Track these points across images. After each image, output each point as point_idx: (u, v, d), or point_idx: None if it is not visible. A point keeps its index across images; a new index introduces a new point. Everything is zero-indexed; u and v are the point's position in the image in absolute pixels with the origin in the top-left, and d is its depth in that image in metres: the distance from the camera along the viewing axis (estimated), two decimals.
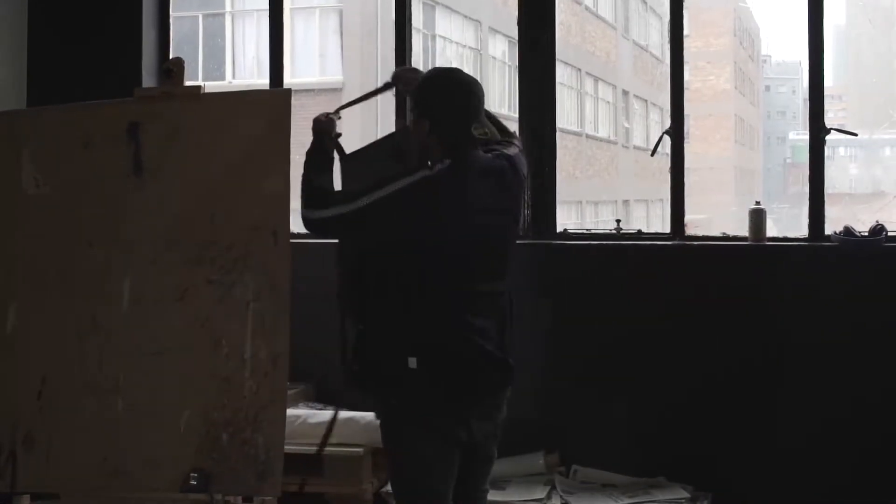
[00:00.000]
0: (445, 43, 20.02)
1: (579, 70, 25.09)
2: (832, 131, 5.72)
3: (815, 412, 5.41)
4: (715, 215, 23.56)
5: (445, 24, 19.93)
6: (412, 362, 3.54)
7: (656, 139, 6.08)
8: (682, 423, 5.57)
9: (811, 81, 5.78)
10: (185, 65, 4.20)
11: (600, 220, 24.67)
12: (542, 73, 5.99)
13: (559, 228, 5.99)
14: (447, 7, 19.75)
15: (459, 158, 3.61)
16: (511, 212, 3.82)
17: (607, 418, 5.65)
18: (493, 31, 21.11)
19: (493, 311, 3.70)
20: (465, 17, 20.62)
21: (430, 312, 3.57)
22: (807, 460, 5.38)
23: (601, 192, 26.20)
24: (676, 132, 5.82)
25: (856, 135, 6.19)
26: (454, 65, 20.17)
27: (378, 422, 3.75)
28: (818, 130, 5.68)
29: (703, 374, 5.55)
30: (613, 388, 5.66)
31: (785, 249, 5.67)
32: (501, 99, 21.35)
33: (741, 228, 5.80)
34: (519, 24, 6.06)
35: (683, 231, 5.83)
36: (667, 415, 5.59)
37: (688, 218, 5.97)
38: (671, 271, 5.68)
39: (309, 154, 3.76)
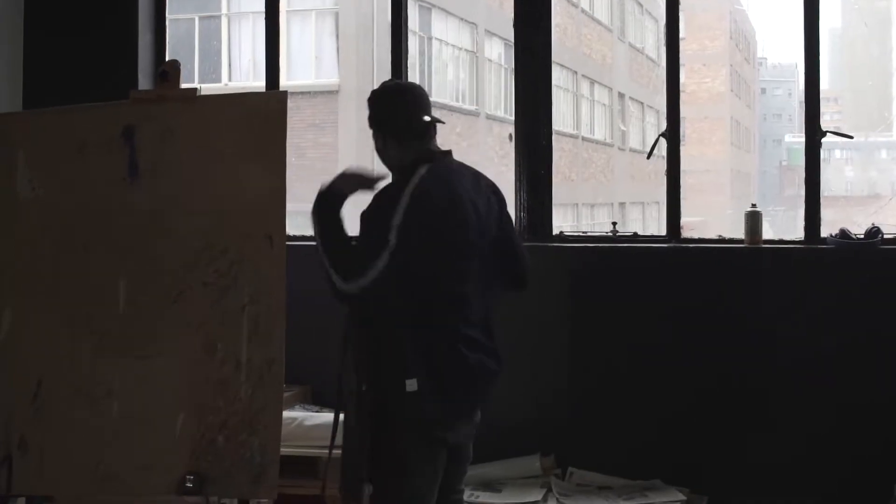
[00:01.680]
0: (441, 45, 20.00)
1: (575, 73, 25.08)
2: (828, 134, 5.71)
3: (812, 417, 5.41)
4: (711, 218, 23.51)
5: (441, 27, 19.91)
6: (416, 380, 3.60)
7: (652, 142, 6.07)
8: (678, 427, 5.57)
9: (807, 84, 5.77)
10: (181, 67, 4.20)
11: (596, 223, 24.67)
12: (538, 76, 5.99)
13: (555, 231, 5.99)
14: (443, 10, 19.72)
15: (436, 163, 3.77)
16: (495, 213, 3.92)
17: (604, 421, 5.66)
18: (489, 33, 21.08)
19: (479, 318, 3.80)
20: (461, 19, 20.59)
21: (434, 322, 3.65)
22: (802, 466, 5.38)
23: (597, 194, 26.19)
24: (672, 135, 5.82)
25: (851, 137, 6.18)
26: (450, 67, 20.20)
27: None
28: (814, 133, 5.68)
29: (700, 378, 5.55)
30: (610, 391, 5.67)
31: (781, 252, 5.66)
32: (497, 101, 21.36)
33: (737, 231, 5.79)
34: (515, 26, 6.06)
35: (679, 234, 5.83)
36: (664, 418, 5.59)
37: (683, 220, 5.96)
38: (668, 274, 5.68)
39: (320, 223, 3.67)
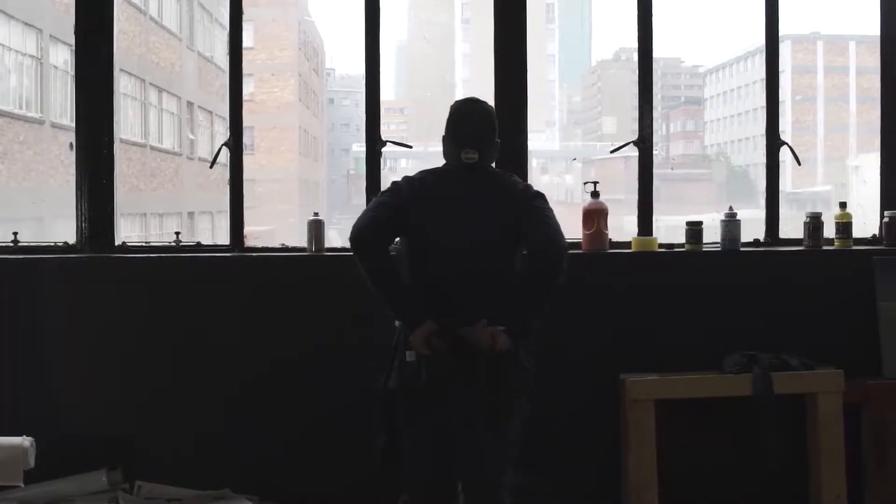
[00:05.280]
0: (4, 51, 19.19)
1: (143, 80, 24.68)
2: (388, 143, 5.94)
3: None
4: (279, 227, 23.75)
5: (4, 31, 19.10)
6: None
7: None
8: (247, 435, 5.61)
9: (368, 95, 5.98)
10: None
11: (165, 232, 24.35)
12: (100, 83, 5.87)
13: (119, 241, 5.88)
14: (5, 13, 18.91)
15: None
16: None
17: (171, 432, 5.62)
18: (55, 39, 20.38)
19: None
20: (26, 24, 19.83)
21: None
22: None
23: (166, 203, 25.90)
24: (235, 144, 5.86)
25: (410, 147, 6.44)
26: (13, 73, 19.42)
27: None
28: (374, 142, 5.89)
29: (269, 385, 5.63)
30: (176, 401, 5.64)
31: (343, 259, 5.79)
32: (63, 109, 20.69)
33: (304, 239, 5.87)
34: (76, 31, 5.91)
35: (243, 242, 5.88)
36: (232, 427, 5.63)
37: (252, 229, 6.01)
38: (232, 282, 5.71)
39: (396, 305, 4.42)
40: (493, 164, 4.65)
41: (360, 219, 4.40)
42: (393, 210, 4.40)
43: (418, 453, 4.44)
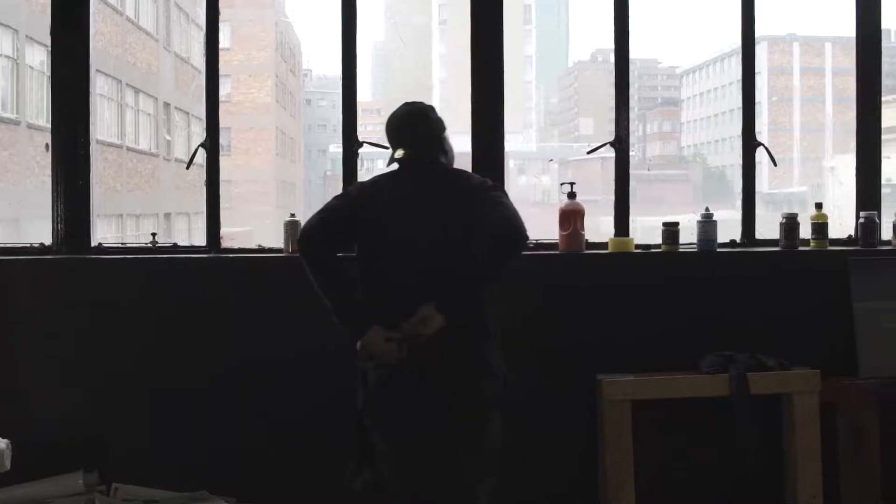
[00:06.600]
0: None
1: (120, 81, 24.60)
2: (365, 144, 5.93)
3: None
4: (257, 227, 23.69)
5: None
6: None
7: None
8: (222, 436, 5.59)
9: (345, 96, 5.96)
10: None
11: (142, 233, 24.28)
12: (76, 83, 5.84)
13: (95, 242, 5.85)
14: None
15: None
16: None
17: (146, 434, 5.60)
18: (31, 39, 20.31)
19: None
20: (1, 24, 19.76)
21: None
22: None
23: (143, 205, 25.83)
24: (212, 145, 5.85)
25: (387, 147, 6.44)
26: None
27: None
28: (351, 143, 5.89)
29: (245, 386, 5.60)
30: (151, 404, 5.60)
31: None
32: (39, 110, 20.61)
33: (282, 240, 5.86)
34: (52, 31, 5.88)
35: (219, 244, 5.86)
36: (205, 427, 5.60)
37: (229, 230, 5.99)
38: (208, 284, 5.69)
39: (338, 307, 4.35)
40: (447, 160, 4.59)
41: (308, 221, 4.42)
42: (343, 213, 4.41)
43: (393, 474, 4.39)
